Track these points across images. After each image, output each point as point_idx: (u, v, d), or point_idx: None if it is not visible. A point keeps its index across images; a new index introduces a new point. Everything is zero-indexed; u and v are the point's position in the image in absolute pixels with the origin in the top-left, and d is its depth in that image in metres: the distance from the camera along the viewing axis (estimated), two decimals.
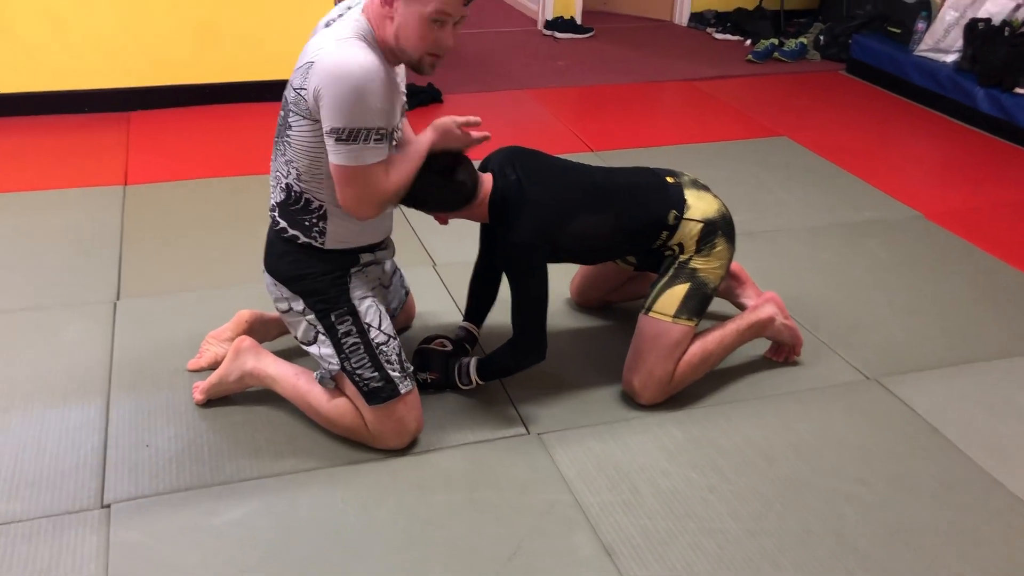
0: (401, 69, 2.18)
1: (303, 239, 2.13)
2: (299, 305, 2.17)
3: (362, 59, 1.89)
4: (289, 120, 2.03)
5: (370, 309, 2.17)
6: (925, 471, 2.21)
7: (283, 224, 2.15)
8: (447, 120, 2.14)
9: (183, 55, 4.30)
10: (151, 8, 4.16)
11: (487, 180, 2.25)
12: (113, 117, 4.24)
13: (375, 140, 1.94)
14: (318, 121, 1.96)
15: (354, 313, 2.14)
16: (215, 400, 2.33)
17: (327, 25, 2.07)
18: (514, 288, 2.21)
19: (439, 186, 2.15)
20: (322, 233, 2.12)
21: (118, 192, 3.50)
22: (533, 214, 2.18)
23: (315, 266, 2.14)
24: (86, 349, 2.54)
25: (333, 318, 2.14)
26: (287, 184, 2.10)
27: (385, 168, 2.01)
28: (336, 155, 1.95)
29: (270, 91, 4.39)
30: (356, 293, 2.16)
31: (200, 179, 3.65)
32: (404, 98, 2.20)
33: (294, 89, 2.00)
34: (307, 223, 2.11)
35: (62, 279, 2.89)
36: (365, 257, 2.20)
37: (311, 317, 2.16)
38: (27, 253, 3.04)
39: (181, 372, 2.45)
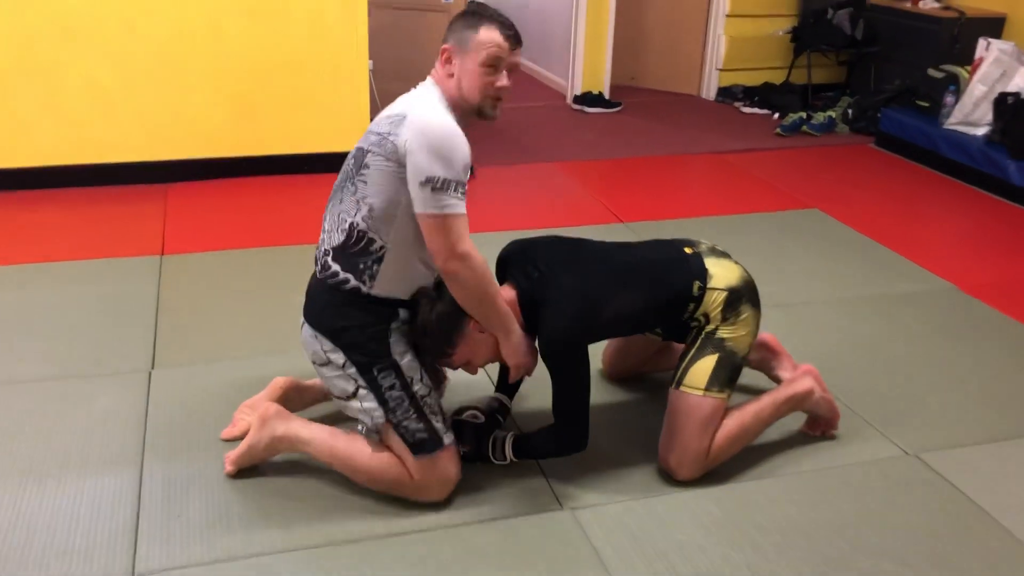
0: None
1: (352, 283, 2.16)
2: (339, 358, 2.17)
3: (453, 123, 2.10)
4: (367, 160, 2.12)
5: (411, 363, 2.19)
6: (970, 551, 2.15)
7: (334, 268, 2.17)
8: (528, 346, 2.25)
9: (220, 128, 4.41)
10: (191, 82, 4.29)
11: (506, 290, 2.26)
12: (151, 189, 4.33)
13: (461, 193, 2.06)
14: (402, 165, 2.07)
15: (396, 367, 2.16)
16: (247, 469, 2.32)
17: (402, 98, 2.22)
18: (556, 381, 2.19)
19: (452, 321, 2.14)
20: (373, 277, 2.15)
21: (155, 262, 3.55)
22: (568, 304, 2.17)
23: (357, 317, 2.16)
24: (120, 418, 2.55)
25: (375, 372, 2.15)
26: (351, 224, 2.14)
27: (466, 225, 2.09)
28: (426, 204, 2.04)
29: (305, 164, 4.49)
30: (397, 348, 2.18)
31: (235, 249, 3.71)
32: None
33: (377, 134, 2.12)
34: (362, 265, 2.15)
35: (98, 348, 2.92)
36: (404, 313, 2.22)
37: (352, 371, 2.17)
38: (65, 322, 3.08)
39: (215, 442, 2.45)
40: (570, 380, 2.18)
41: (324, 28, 4.35)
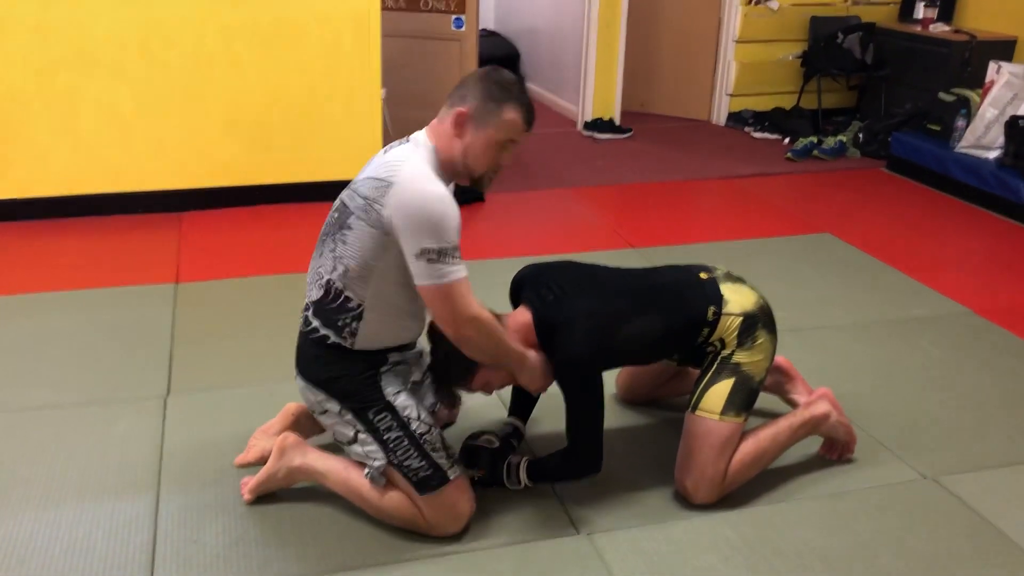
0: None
1: (333, 339, 2.15)
2: (335, 407, 2.18)
3: (440, 189, 2.02)
4: (348, 221, 2.09)
5: (406, 402, 2.18)
6: (990, 575, 2.13)
7: (315, 324, 2.17)
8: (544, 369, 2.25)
9: (235, 157, 4.45)
10: (207, 111, 4.33)
11: (520, 313, 2.26)
12: (167, 217, 4.37)
13: (457, 257, 2.03)
14: (386, 233, 2.03)
15: (391, 408, 2.16)
16: (263, 496, 2.32)
17: (390, 147, 2.17)
18: (570, 402, 2.19)
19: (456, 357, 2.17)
20: (353, 334, 2.14)
21: (170, 290, 3.58)
22: (584, 327, 2.17)
23: (346, 368, 2.16)
24: (136, 444, 2.56)
25: (371, 415, 2.15)
26: (328, 280, 2.14)
27: (469, 285, 2.06)
28: (426, 277, 2.01)
29: (318, 192, 4.51)
30: (389, 389, 2.18)
31: (249, 277, 3.73)
32: None
33: (361, 197, 2.07)
34: (340, 322, 2.14)
35: (114, 375, 2.93)
36: (393, 357, 2.22)
37: (349, 417, 2.17)
38: (81, 349, 3.10)
39: (229, 467, 2.45)
40: (584, 402, 2.18)
41: (338, 57, 4.40)
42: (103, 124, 4.24)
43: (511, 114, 2.11)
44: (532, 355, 2.23)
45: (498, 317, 2.22)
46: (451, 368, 2.22)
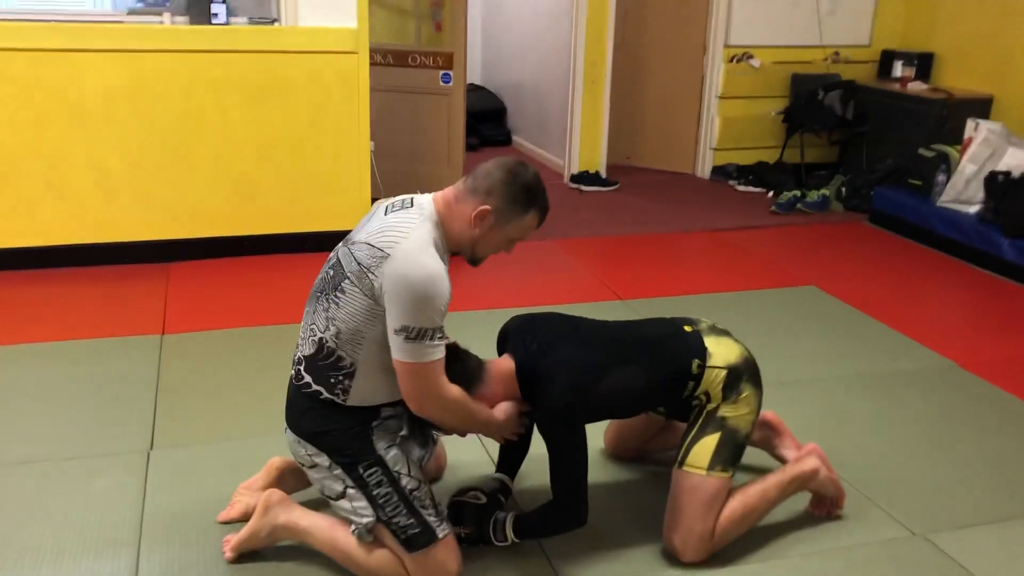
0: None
1: (326, 395, 2.14)
2: (325, 461, 2.16)
3: (434, 269, 2.02)
4: (343, 285, 2.09)
5: (397, 457, 2.17)
6: None
7: (307, 379, 2.16)
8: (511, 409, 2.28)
9: (222, 208, 4.46)
10: (194, 163, 4.35)
11: (504, 361, 2.27)
12: (153, 268, 4.36)
13: (438, 338, 2.04)
14: (379, 304, 2.04)
15: (382, 463, 2.14)
16: (245, 554, 2.28)
17: (392, 208, 2.16)
18: (553, 454, 2.19)
19: None
20: (345, 391, 2.13)
21: (155, 341, 3.55)
22: (564, 378, 2.18)
23: (337, 421, 2.15)
24: (118, 500, 2.52)
25: (361, 470, 2.13)
26: (320, 339, 2.13)
27: (441, 368, 2.08)
28: (401, 352, 2.03)
29: (306, 243, 4.52)
30: (380, 444, 2.16)
31: (236, 328, 3.71)
32: None
33: (358, 263, 2.06)
34: (332, 379, 2.13)
35: (97, 428, 2.90)
36: (385, 411, 2.21)
37: (338, 472, 2.15)
38: (63, 402, 3.07)
39: (212, 524, 2.41)
40: (566, 453, 2.17)
41: (327, 111, 4.44)
42: (91, 176, 4.24)
43: (532, 219, 2.18)
44: (499, 414, 2.24)
45: (482, 364, 2.23)
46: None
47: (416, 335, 2.00)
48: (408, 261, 2.01)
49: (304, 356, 2.18)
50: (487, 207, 2.11)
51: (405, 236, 2.05)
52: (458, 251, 2.21)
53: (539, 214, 2.19)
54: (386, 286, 2.00)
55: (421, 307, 1.99)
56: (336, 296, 2.10)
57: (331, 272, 2.15)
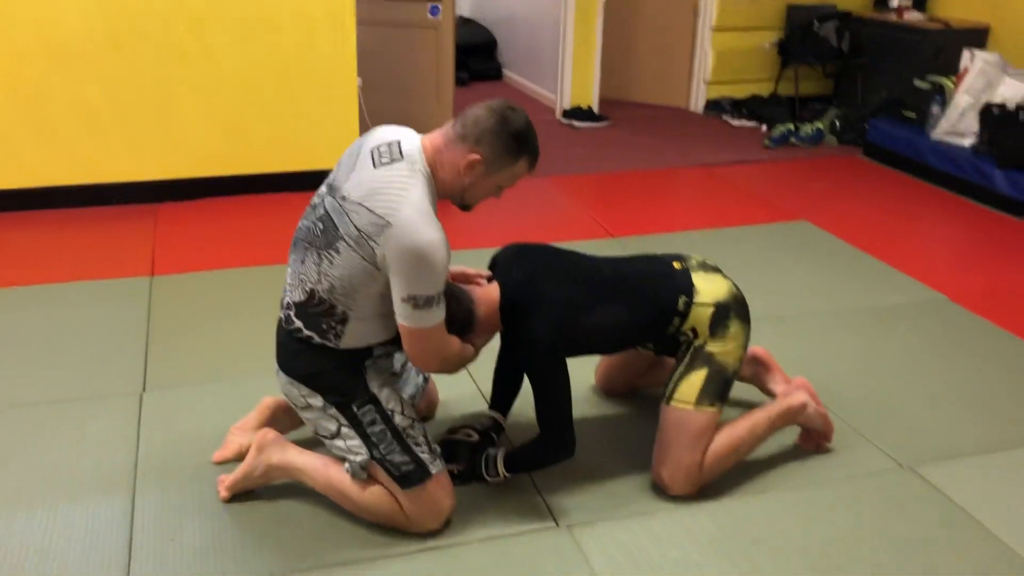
0: None
1: (317, 340, 2.14)
2: (318, 401, 2.17)
3: (437, 238, 1.99)
4: (338, 246, 2.05)
5: (390, 396, 2.18)
6: (965, 562, 2.15)
7: (298, 324, 2.15)
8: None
9: (210, 148, 4.41)
10: (180, 102, 4.29)
11: (492, 289, 2.26)
12: (141, 209, 4.32)
13: (440, 302, 2.05)
14: (380, 270, 2.02)
15: (375, 401, 2.15)
16: (241, 493, 2.30)
17: (380, 158, 2.07)
18: (536, 387, 2.20)
19: None
20: (338, 336, 2.13)
21: (145, 283, 3.54)
22: (546, 312, 2.18)
23: (330, 362, 2.15)
24: (112, 442, 2.53)
25: (355, 409, 2.14)
26: (312, 289, 2.11)
27: (443, 328, 2.11)
28: (409, 319, 2.04)
29: (295, 181, 4.48)
30: (373, 383, 2.17)
31: (226, 269, 3.70)
32: None
33: (357, 229, 2.01)
34: (325, 325, 2.12)
35: (89, 372, 2.90)
36: (378, 350, 2.21)
37: (333, 411, 2.16)
38: (54, 346, 3.06)
39: (207, 464, 2.43)
40: (548, 386, 2.19)
41: (313, 47, 4.35)
42: (73, 116, 4.18)
43: (523, 166, 2.15)
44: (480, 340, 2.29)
45: (474, 304, 2.22)
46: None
47: (424, 303, 2.01)
48: (412, 233, 1.97)
49: (294, 302, 2.16)
50: (477, 156, 2.07)
51: (403, 200, 2.00)
52: (448, 198, 2.18)
53: (530, 160, 2.16)
54: (390, 257, 1.99)
55: (426, 276, 2.00)
56: (330, 254, 2.07)
57: (321, 226, 2.09)
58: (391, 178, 2.03)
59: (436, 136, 2.12)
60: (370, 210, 2.01)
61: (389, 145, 2.10)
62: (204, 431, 2.57)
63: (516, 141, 2.10)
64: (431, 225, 2.00)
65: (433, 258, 1.98)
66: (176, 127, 4.32)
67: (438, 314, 2.06)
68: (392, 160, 2.06)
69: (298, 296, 2.15)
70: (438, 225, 2.02)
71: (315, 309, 2.12)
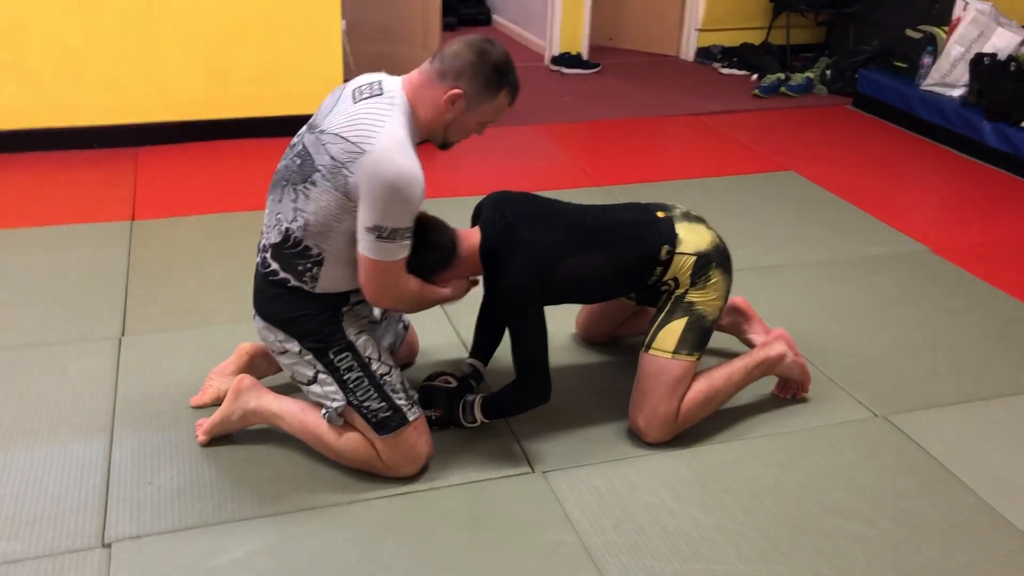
0: None
1: (294, 283, 2.13)
2: (295, 347, 2.16)
3: (412, 168, 1.97)
4: (314, 178, 2.04)
5: (368, 343, 2.18)
6: (934, 510, 2.18)
7: (274, 266, 2.15)
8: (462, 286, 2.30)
9: (192, 92, 4.34)
10: (161, 45, 4.21)
11: (474, 233, 2.25)
12: (121, 153, 4.27)
13: (407, 237, 2.03)
14: (351, 200, 2.00)
15: (352, 348, 2.15)
16: (218, 438, 2.31)
17: (361, 94, 2.08)
18: (513, 332, 2.20)
19: (416, 253, 2.14)
20: (314, 278, 2.12)
21: (125, 228, 3.51)
22: (524, 257, 2.18)
23: (307, 307, 2.14)
24: (90, 386, 2.53)
25: (332, 355, 2.14)
26: (287, 229, 2.10)
27: (403, 266, 2.08)
28: (370, 250, 2.01)
29: (278, 127, 4.43)
30: (350, 330, 2.16)
31: (207, 214, 3.67)
32: None
33: (331, 157, 2.00)
34: (300, 267, 2.11)
35: (68, 315, 2.89)
36: (355, 297, 2.20)
37: (309, 357, 2.16)
38: (33, 289, 3.05)
39: (184, 409, 2.44)
40: (526, 331, 2.19)
41: None
42: (51, 57, 4.10)
43: (504, 100, 2.13)
44: (450, 290, 2.26)
45: (455, 242, 2.22)
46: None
47: (388, 235, 1.99)
48: (386, 160, 1.96)
49: (270, 244, 2.15)
50: (458, 90, 2.05)
51: (379, 129, 1.99)
52: (428, 138, 2.16)
53: (511, 93, 2.13)
54: (362, 184, 1.97)
55: (397, 207, 1.97)
56: (305, 188, 2.05)
57: (298, 161, 2.09)
58: (369, 110, 2.03)
59: (415, 75, 2.11)
60: (345, 138, 2.00)
61: (370, 84, 2.11)
62: (182, 376, 2.57)
63: (497, 74, 2.07)
64: (407, 155, 1.98)
65: (406, 189, 1.96)
66: (157, 70, 4.25)
67: (401, 250, 2.04)
68: (372, 95, 2.07)
69: (274, 237, 2.14)
70: (414, 156, 2.00)
71: (290, 251, 2.11)
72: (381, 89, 2.08)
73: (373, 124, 2.00)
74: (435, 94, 2.07)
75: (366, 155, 1.97)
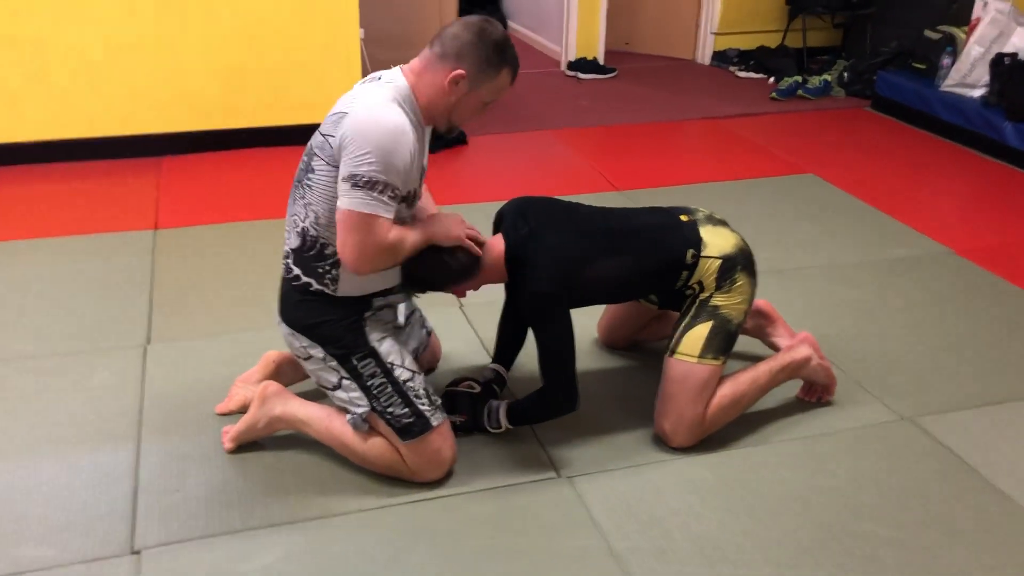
0: (427, 130, 2.22)
1: (316, 286, 2.14)
2: (319, 352, 2.17)
3: (396, 119, 1.97)
4: (312, 164, 2.07)
5: (391, 348, 2.18)
6: (964, 513, 2.16)
7: (296, 271, 2.16)
8: (456, 216, 2.21)
9: (213, 100, 4.37)
10: (181, 54, 4.24)
11: (497, 241, 2.25)
12: (144, 162, 4.30)
13: (389, 196, 1.99)
14: (338, 169, 1.99)
15: (375, 355, 2.15)
16: (244, 444, 2.32)
17: (362, 83, 2.13)
18: (539, 339, 2.20)
19: (435, 264, 2.16)
20: (335, 280, 2.13)
21: (149, 237, 3.54)
22: (550, 264, 2.17)
23: (330, 313, 2.15)
24: (117, 394, 2.55)
25: (355, 361, 2.15)
26: (303, 229, 2.12)
27: (390, 226, 2.02)
28: (347, 199, 1.97)
29: (298, 135, 4.44)
30: (374, 335, 2.17)
31: (230, 223, 3.69)
32: (425, 163, 2.23)
33: (322, 135, 2.05)
34: (320, 270, 2.12)
35: (94, 324, 2.91)
36: (378, 302, 2.21)
37: (333, 363, 2.16)
38: (59, 298, 3.07)
39: (211, 416, 2.45)
40: (553, 338, 2.18)
41: None
42: (74, 69, 4.14)
43: (505, 78, 2.11)
44: (430, 229, 2.14)
45: (480, 244, 2.22)
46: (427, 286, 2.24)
47: (365, 184, 1.94)
48: (366, 112, 1.98)
49: (291, 249, 2.17)
50: (461, 71, 2.04)
51: (365, 94, 2.02)
52: (432, 123, 2.16)
53: (511, 71, 2.12)
54: (344, 140, 1.96)
55: (376, 156, 1.93)
56: (308, 179, 2.07)
57: (305, 159, 2.12)
58: (361, 90, 2.07)
59: (415, 62, 2.11)
60: (333, 112, 2.03)
61: (371, 77, 2.14)
62: (208, 383, 2.58)
63: (497, 52, 2.07)
64: (389, 109, 1.99)
65: (386, 138, 1.94)
66: (178, 80, 4.29)
67: (382, 206, 1.97)
68: (371, 81, 2.10)
69: (293, 242, 2.15)
70: (400, 113, 2.00)
71: (308, 253, 2.12)
72: (380, 77, 2.11)
73: (360, 96, 2.03)
74: (436, 77, 2.06)
75: (347, 116, 1.98)
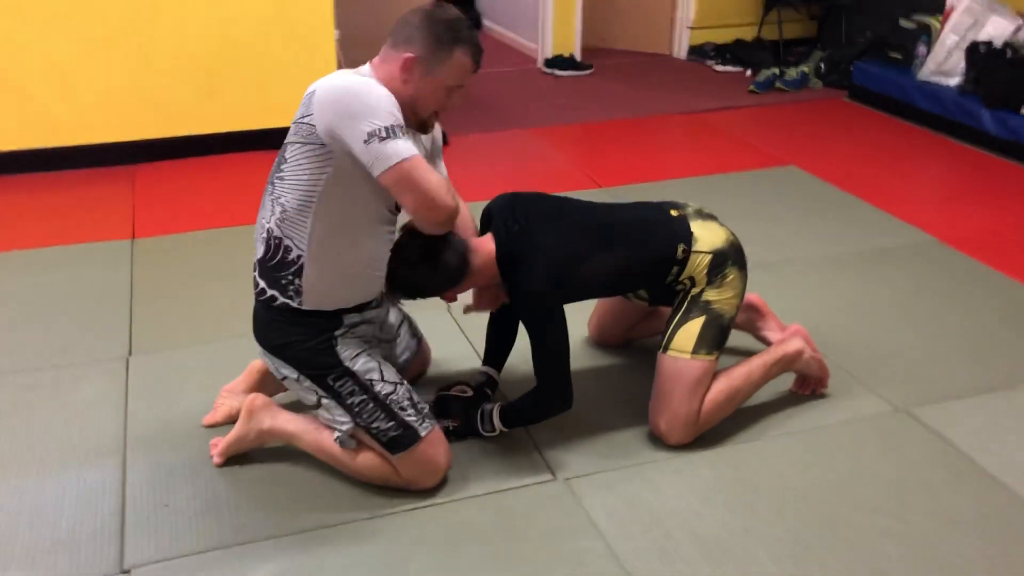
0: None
1: (280, 299, 2.07)
2: (293, 373, 2.12)
3: (359, 77, 1.99)
4: (285, 154, 2.01)
5: (367, 364, 2.10)
6: (964, 503, 2.15)
7: (262, 284, 2.10)
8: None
9: (186, 106, 4.30)
10: (153, 60, 4.17)
11: (486, 242, 2.21)
12: (118, 171, 4.22)
13: (404, 135, 1.91)
14: (322, 144, 1.93)
15: (350, 373, 2.08)
16: (234, 456, 2.27)
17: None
18: (533, 338, 2.17)
19: (426, 273, 2.12)
20: (298, 292, 2.05)
21: (126, 246, 3.47)
22: (543, 262, 2.14)
23: (296, 332, 2.08)
24: (100, 408, 2.49)
25: (331, 382, 2.09)
26: (267, 231, 2.05)
27: (427, 166, 1.95)
28: (381, 160, 1.88)
29: (275, 138, 4.37)
30: (346, 354, 2.09)
31: (208, 230, 3.63)
32: (426, 146, 2.18)
33: (295, 122, 2.00)
34: (283, 280, 2.06)
35: (73, 337, 2.85)
36: (350, 318, 2.13)
37: (308, 384, 2.11)
38: (37, 312, 3.00)
39: (197, 428, 2.40)
40: (547, 336, 2.15)
41: None
42: (44, 77, 4.06)
43: (462, 58, 2.03)
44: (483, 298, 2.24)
45: (468, 248, 2.18)
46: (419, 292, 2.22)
47: (386, 132, 1.86)
48: (333, 80, 1.98)
49: (256, 260, 2.11)
50: (411, 55, 1.99)
51: (329, 75, 2.02)
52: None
53: (469, 50, 2.04)
54: (326, 113, 1.90)
55: (370, 105, 1.88)
56: (280, 171, 2.02)
57: (278, 158, 2.06)
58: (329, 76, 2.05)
59: (375, 59, 2.08)
60: (301, 103, 1.99)
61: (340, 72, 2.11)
62: (193, 395, 2.53)
63: (448, 31, 2.01)
64: (357, 74, 2.00)
65: (365, 89, 1.92)
66: (150, 86, 4.21)
67: (406, 146, 1.89)
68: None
69: (259, 250, 2.09)
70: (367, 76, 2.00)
71: (271, 262, 2.06)
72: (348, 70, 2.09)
73: (324, 79, 2.01)
74: (392, 68, 2.01)
75: (315, 92, 1.95)
